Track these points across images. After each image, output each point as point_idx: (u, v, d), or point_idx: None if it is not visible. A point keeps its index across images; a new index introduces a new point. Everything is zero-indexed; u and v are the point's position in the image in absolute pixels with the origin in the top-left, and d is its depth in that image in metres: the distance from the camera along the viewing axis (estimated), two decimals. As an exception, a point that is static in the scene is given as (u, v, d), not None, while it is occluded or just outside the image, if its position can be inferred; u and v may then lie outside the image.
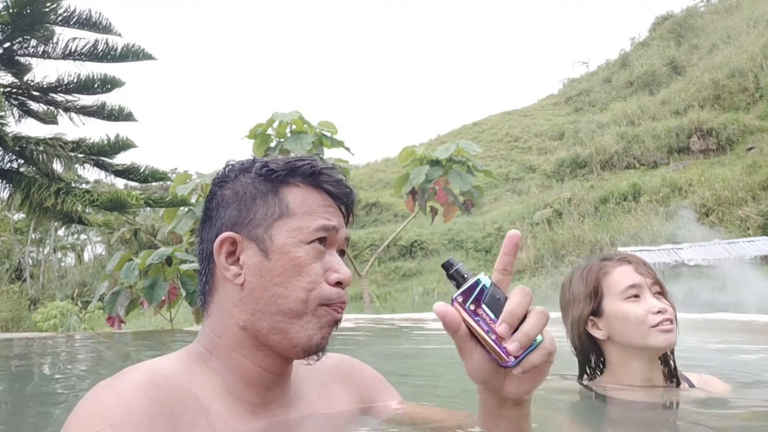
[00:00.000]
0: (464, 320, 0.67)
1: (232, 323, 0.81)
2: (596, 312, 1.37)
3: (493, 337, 0.65)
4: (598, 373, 1.43)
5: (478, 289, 0.67)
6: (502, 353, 0.65)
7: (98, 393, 0.71)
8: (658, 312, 1.30)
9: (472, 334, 0.67)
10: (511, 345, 0.64)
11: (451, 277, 0.70)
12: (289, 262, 0.79)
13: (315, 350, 0.80)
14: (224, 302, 0.82)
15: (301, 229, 0.80)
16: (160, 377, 0.74)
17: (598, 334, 1.37)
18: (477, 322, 0.66)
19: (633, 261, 1.39)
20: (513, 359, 0.64)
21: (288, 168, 0.83)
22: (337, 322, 0.82)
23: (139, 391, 0.70)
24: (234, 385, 0.80)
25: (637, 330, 1.31)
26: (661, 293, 1.36)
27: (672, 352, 1.37)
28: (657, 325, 1.30)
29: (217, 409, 0.77)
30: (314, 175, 0.83)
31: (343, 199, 0.86)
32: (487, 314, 0.66)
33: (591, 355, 1.43)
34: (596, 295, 1.37)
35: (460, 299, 0.67)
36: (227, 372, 0.80)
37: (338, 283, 0.82)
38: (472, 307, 0.67)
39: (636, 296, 1.33)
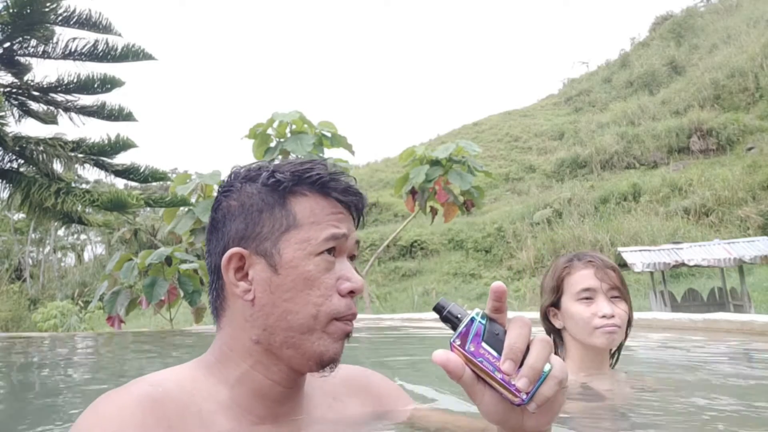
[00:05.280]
0: (467, 363, 0.64)
1: (245, 337, 0.80)
2: (556, 305, 1.55)
3: (500, 375, 0.62)
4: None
5: (475, 327, 0.64)
6: (512, 391, 0.62)
7: (99, 404, 0.73)
8: (603, 316, 1.45)
9: (479, 376, 0.64)
10: (520, 381, 0.61)
11: (444, 319, 0.68)
12: (299, 277, 0.78)
13: (328, 363, 0.80)
14: (236, 317, 0.81)
15: (309, 240, 0.79)
16: (160, 390, 0.74)
17: (556, 323, 1.56)
18: (480, 363, 0.63)
19: (597, 266, 1.51)
20: (525, 396, 0.61)
21: (295, 178, 0.81)
22: (348, 334, 0.81)
23: (136, 404, 0.71)
24: (242, 397, 0.80)
25: (582, 329, 1.48)
26: (620, 297, 1.50)
27: (619, 349, 1.55)
28: (600, 327, 1.45)
29: (221, 421, 0.77)
30: (321, 184, 0.81)
31: (352, 205, 0.84)
32: (489, 352, 0.63)
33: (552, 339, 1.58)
34: (558, 290, 1.54)
35: (458, 342, 0.64)
36: (237, 383, 0.80)
37: (350, 293, 0.80)
38: (472, 348, 0.64)
39: (588, 299, 1.48)
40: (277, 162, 0.86)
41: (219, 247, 0.82)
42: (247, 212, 0.81)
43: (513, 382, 0.62)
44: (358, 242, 0.85)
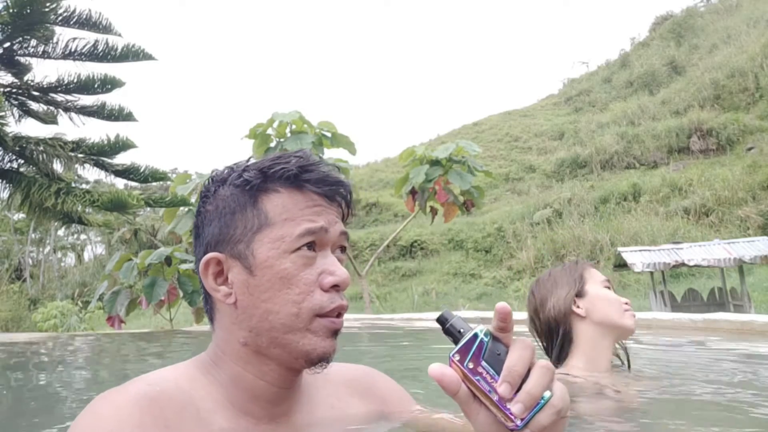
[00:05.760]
0: (464, 380, 0.62)
1: (234, 340, 0.80)
2: (579, 293, 1.62)
3: (496, 397, 0.60)
4: (564, 356, 1.62)
5: (476, 344, 0.62)
6: (507, 415, 0.59)
7: (96, 404, 0.73)
8: (626, 302, 1.62)
9: (475, 394, 0.62)
10: (515, 407, 0.59)
11: (447, 332, 0.65)
12: (275, 276, 0.76)
13: (318, 361, 0.78)
14: (224, 320, 0.81)
15: (282, 238, 0.77)
16: (157, 389, 0.74)
17: (579, 311, 1.60)
18: (477, 381, 0.61)
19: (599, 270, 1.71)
20: (519, 421, 0.59)
21: (263, 175, 0.78)
22: (336, 332, 0.79)
23: (133, 403, 0.71)
24: (237, 398, 0.79)
25: (616, 309, 1.58)
26: None
27: (626, 351, 1.67)
28: (627, 309, 1.60)
29: (218, 421, 0.77)
30: (291, 178, 0.78)
31: (334, 195, 0.80)
32: (488, 372, 0.61)
33: (560, 336, 1.63)
34: (581, 280, 1.63)
35: (457, 357, 0.62)
36: (231, 384, 0.80)
37: (335, 286, 0.77)
38: (471, 365, 0.61)
39: (608, 287, 1.64)
40: (253, 160, 0.83)
41: (200, 253, 0.82)
42: (220, 215, 0.80)
43: (508, 406, 0.59)
44: (345, 233, 0.81)
